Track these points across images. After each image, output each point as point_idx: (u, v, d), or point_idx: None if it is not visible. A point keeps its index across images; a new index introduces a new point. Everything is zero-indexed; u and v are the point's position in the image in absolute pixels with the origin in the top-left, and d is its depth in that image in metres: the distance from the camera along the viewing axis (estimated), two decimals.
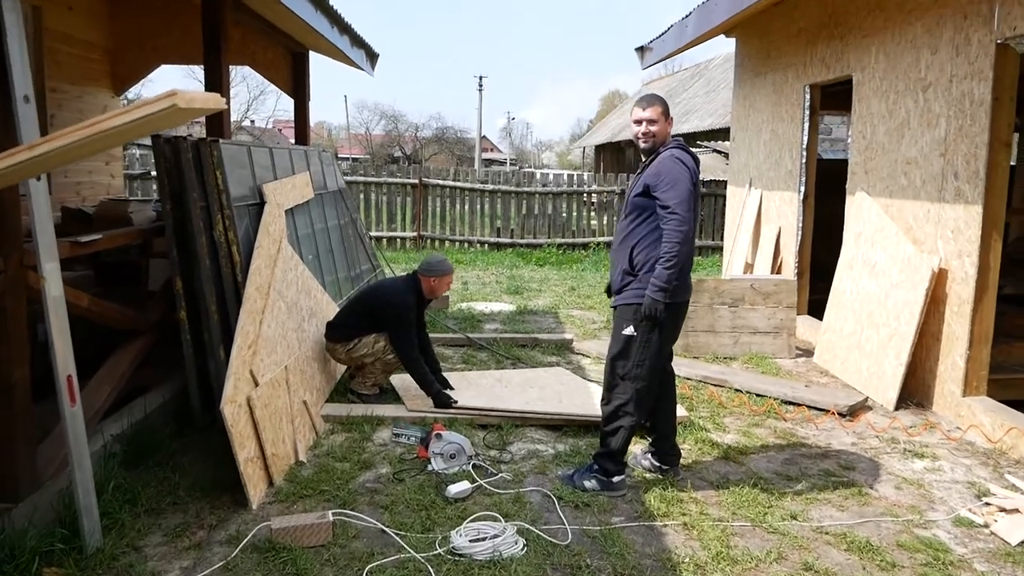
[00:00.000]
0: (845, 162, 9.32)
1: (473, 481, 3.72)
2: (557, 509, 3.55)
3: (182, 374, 4.23)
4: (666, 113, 3.75)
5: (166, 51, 7.51)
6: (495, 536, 3.16)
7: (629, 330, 3.66)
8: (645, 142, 3.75)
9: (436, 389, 4.65)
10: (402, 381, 5.09)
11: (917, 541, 3.38)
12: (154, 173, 12.46)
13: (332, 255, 6.30)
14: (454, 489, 3.58)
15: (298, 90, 8.25)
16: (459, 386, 5.10)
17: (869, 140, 6.01)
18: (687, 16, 7.70)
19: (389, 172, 13.76)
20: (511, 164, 56.28)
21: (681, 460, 4.08)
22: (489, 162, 55.14)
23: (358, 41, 7.44)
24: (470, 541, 3.13)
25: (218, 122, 5.90)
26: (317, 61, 8.16)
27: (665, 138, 3.75)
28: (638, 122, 3.73)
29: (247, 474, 3.37)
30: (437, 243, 13.49)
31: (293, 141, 8.51)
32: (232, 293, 4.12)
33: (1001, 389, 5.10)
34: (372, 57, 8.24)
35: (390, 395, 5.01)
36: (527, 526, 3.33)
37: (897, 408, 5.17)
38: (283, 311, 4.32)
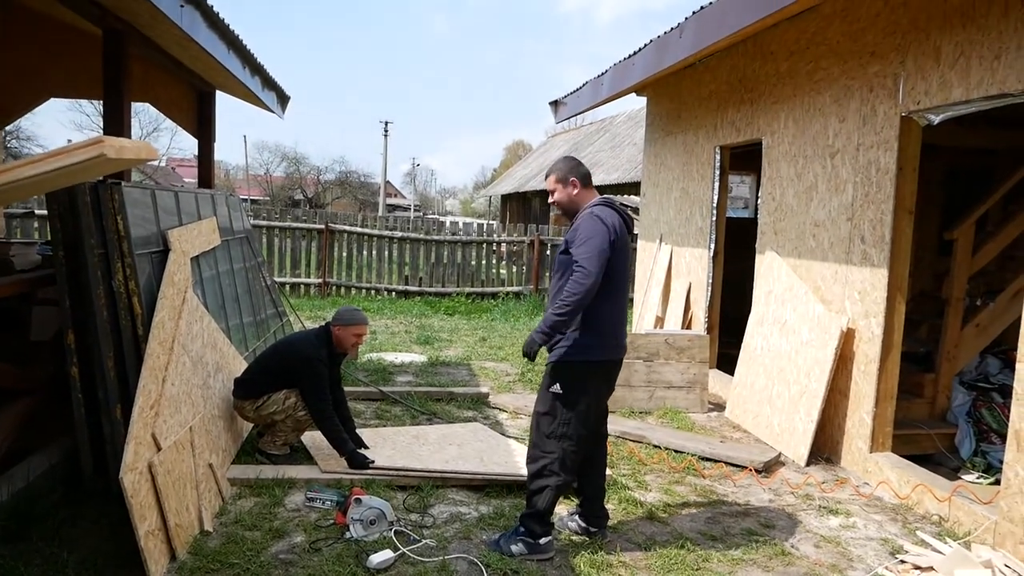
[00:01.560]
0: (746, 220, 9.78)
1: (395, 549, 3.50)
2: None
3: (71, 435, 3.83)
4: (563, 179, 3.76)
5: (55, 84, 7.05)
6: None
7: (556, 387, 3.62)
8: (557, 210, 3.86)
9: (350, 449, 4.41)
10: (313, 439, 4.81)
11: None
12: (37, 211, 11.65)
13: (238, 301, 5.96)
14: (376, 559, 3.35)
15: (203, 130, 7.92)
16: (374, 443, 4.87)
17: (779, 202, 6.27)
18: (603, 74, 7.90)
19: (294, 216, 13.37)
20: (415, 210, 56.17)
21: (608, 522, 4.00)
22: (393, 207, 54.85)
23: (270, 83, 7.23)
24: None
25: None
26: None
27: (573, 200, 3.75)
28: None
29: (147, 549, 3.04)
30: (343, 290, 13.14)
31: (191, 181, 8.12)
32: (131, 347, 3.78)
33: (903, 444, 5.32)
34: (283, 100, 8.02)
35: (301, 454, 4.72)
36: None
37: (808, 463, 5.29)
38: (188, 367, 4.00)
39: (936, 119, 4.70)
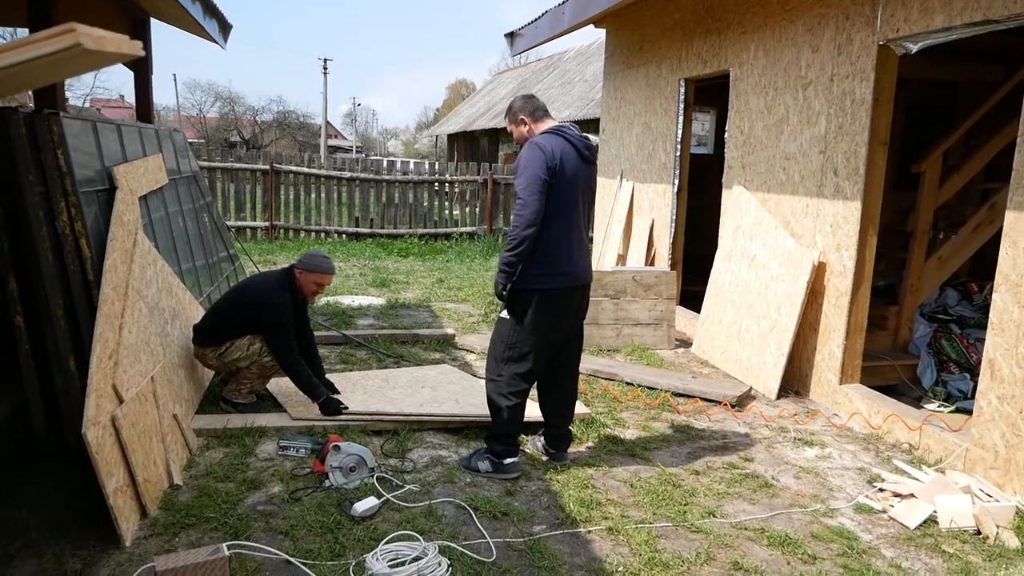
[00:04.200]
0: (704, 156, 9.73)
1: (379, 496, 3.37)
2: (475, 521, 3.29)
3: (19, 391, 3.55)
4: (514, 119, 3.79)
5: None
6: (417, 559, 2.85)
7: (503, 313, 3.71)
8: (519, 146, 3.84)
9: (323, 394, 4.23)
10: (280, 387, 4.61)
11: (828, 531, 3.42)
12: None
13: (189, 244, 5.63)
14: (360, 507, 3.22)
15: (139, 62, 7.37)
16: (344, 388, 4.69)
17: (747, 135, 6.17)
18: (564, 2, 7.60)
19: (236, 157, 12.78)
20: (357, 151, 54.77)
21: (575, 450, 4.09)
22: (334, 148, 53.37)
23: (211, 9, 6.73)
24: (390, 566, 2.80)
25: (50, 94, 5.09)
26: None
27: (527, 137, 3.74)
28: None
29: (117, 507, 2.84)
30: (292, 233, 12.71)
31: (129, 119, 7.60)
32: (81, 294, 3.49)
33: (868, 376, 5.39)
34: (225, 28, 7.50)
35: (268, 402, 4.51)
36: (448, 544, 3.03)
37: (779, 397, 5.33)
38: (144, 313, 3.73)
39: (915, 48, 4.61)
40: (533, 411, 4.02)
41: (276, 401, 4.47)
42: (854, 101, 4.96)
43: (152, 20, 7.40)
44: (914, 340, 6.10)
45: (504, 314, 3.72)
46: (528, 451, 4.07)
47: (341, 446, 3.50)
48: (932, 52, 5.42)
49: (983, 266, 6.57)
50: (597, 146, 10.12)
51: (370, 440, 4.08)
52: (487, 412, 4.24)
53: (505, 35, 9.17)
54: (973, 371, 5.97)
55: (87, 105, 42.73)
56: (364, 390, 4.71)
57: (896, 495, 3.78)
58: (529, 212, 3.45)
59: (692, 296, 7.32)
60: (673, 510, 3.50)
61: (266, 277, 4.55)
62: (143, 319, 3.67)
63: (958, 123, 6.14)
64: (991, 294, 6.78)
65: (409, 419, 4.23)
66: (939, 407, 5.57)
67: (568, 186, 3.59)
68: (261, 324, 4.24)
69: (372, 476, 3.53)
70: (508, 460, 3.75)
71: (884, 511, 3.67)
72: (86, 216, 3.54)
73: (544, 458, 4.01)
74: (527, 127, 3.73)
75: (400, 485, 3.53)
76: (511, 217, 3.53)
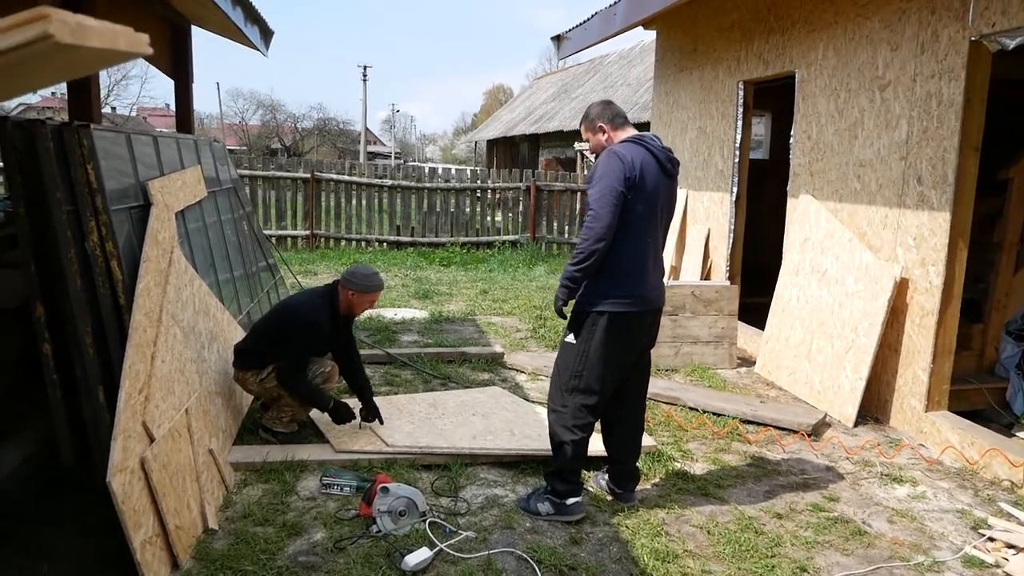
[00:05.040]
0: (762, 161, 9.28)
1: (431, 545, 3.06)
2: None
3: (46, 423, 3.31)
4: (592, 127, 3.48)
5: None
6: None
7: (569, 337, 3.39)
8: (595, 156, 3.56)
9: (329, 400, 4.01)
10: (322, 415, 4.33)
11: None
12: None
13: (227, 255, 5.40)
14: (412, 560, 2.90)
15: (179, 70, 7.22)
16: (389, 414, 4.40)
17: (815, 141, 5.75)
18: (615, 3, 7.25)
19: (278, 165, 12.65)
20: (395, 157, 54.95)
21: (641, 487, 3.74)
22: (373, 155, 53.61)
23: (253, 16, 6.52)
24: None
25: (85, 103, 4.90)
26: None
27: (604, 144, 3.45)
28: None
29: (144, 561, 2.57)
30: (332, 242, 12.54)
31: (166, 130, 7.46)
32: (112, 319, 3.24)
33: (953, 401, 4.93)
34: (267, 35, 7.31)
35: (309, 429, 4.24)
36: None
37: (856, 424, 4.91)
38: (179, 339, 3.48)
39: (1012, 44, 4.18)
40: (595, 445, 3.67)
41: (318, 429, 4.19)
42: (941, 103, 4.53)
43: (194, 28, 7.25)
44: (1001, 361, 5.61)
45: (570, 339, 3.39)
46: (591, 489, 3.72)
47: (390, 487, 3.20)
48: (1014, 50, 4.97)
49: None
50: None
51: (419, 475, 3.77)
52: (545, 445, 3.91)
53: (552, 38, 8.85)
54: None
55: (133, 114, 43.49)
56: (410, 417, 4.41)
57: (1009, 546, 3.36)
58: (600, 225, 3.14)
59: (750, 309, 6.89)
60: (759, 564, 3.12)
61: (308, 295, 4.28)
62: (178, 346, 3.41)
63: None
64: None
65: (461, 453, 3.91)
66: None
67: (647, 200, 3.27)
68: (290, 339, 3.97)
69: (424, 521, 3.22)
70: (571, 500, 3.42)
71: (998, 565, 3.25)
72: (118, 235, 3.30)
73: (609, 497, 3.67)
74: (605, 135, 3.42)
75: (454, 531, 3.21)
76: (580, 229, 3.23)
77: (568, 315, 3.42)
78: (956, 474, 4.23)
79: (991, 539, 3.45)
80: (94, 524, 3.07)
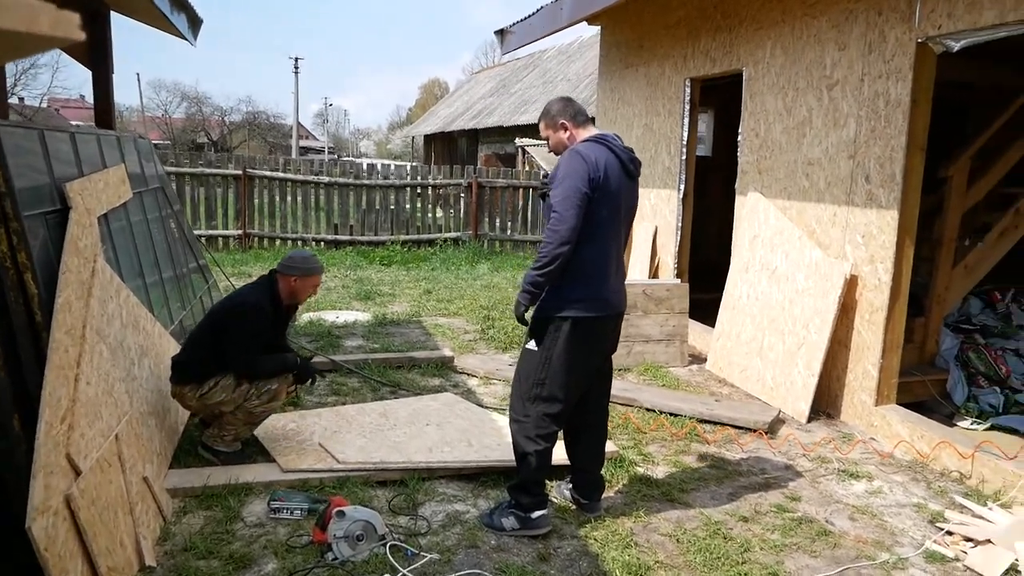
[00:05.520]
0: (704, 158, 9.32)
1: (393, 571, 2.88)
2: None
3: None
4: (553, 123, 3.33)
5: None
6: None
7: (530, 344, 3.24)
8: (555, 155, 3.43)
9: (294, 361, 3.86)
10: (267, 430, 4.08)
11: None
12: None
13: (155, 256, 5.08)
14: None
15: (97, 60, 6.74)
16: (339, 428, 4.19)
17: (763, 139, 5.75)
18: None
19: (207, 161, 12.10)
20: (329, 152, 53.85)
21: (605, 495, 3.62)
22: (305, 150, 52.42)
23: (180, 2, 6.14)
24: None
25: None
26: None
27: (565, 142, 3.32)
28: None
29: None
30: (267, 241, 12.08)
31: (81, 125, 6.99)
32: (27, 338, 2.93)
33: (898, 393, 5.00)
34: (195, 23, 6.91)
35: (253, 447, 3.97)
36: None
37: (809, 420, 4.92)
38: (106, 357, 3.19)
39: (957, 46, 4.22)
40: (557, 453, 3.54)
41: (263, 447, 3.93)
42: (888, 103, 4.56)
43: (114, 15, 6.80)
44: (941, 353, 5.74)
45: (531, 345, 3.25)
46: (555, 500, 3.59)
47: (346, 511, 3.00)
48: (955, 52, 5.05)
49: (1005, 272, 6.24)
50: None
51: (374, 493, 3.57)
52: (505, 455, 3.78)
53: (495, 32, 8.69)
54: (1003, 384, 5.63)
55: (44, 106, 41.19)
56: (361, 429, 4.20)
57: (967, 539, 3.38)
58: (565, 228, 3.01)
59: (695, 305, 6.87)
60: (731, 572, 3.04)
61: (245, 288, 4.02)
62: (105, 365, 3.13)
63: (978, 126, 5.79)
64: (1013, 301, 6.47)
65: (418, 467, 3.73)
66: (972, 424, 5.22)
67: (610, 202, 3.16)
68: (234, 328, 3.71)
69: (383, 545, 3.03)
70: (537, 514, 3.28)
71: (957, 559, 3.27)
72: (31, 244, 2.99)
73: (574, 507, 3.55)
74: (568, 133, 3.29)
75: (416, 553, 3.03)
76: (544, 232, 3.09)
77: (529, 321, 3.28)
78: (908, 467, 4.27)
79: (949, 532, 3.47)
80: (12, 568, 2.77)
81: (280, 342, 4.05)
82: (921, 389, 5.43)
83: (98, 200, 3.96)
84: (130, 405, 3.29)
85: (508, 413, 3.41)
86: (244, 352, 3.69)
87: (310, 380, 3.97)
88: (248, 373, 3.71)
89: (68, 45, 0.88)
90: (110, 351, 3.27)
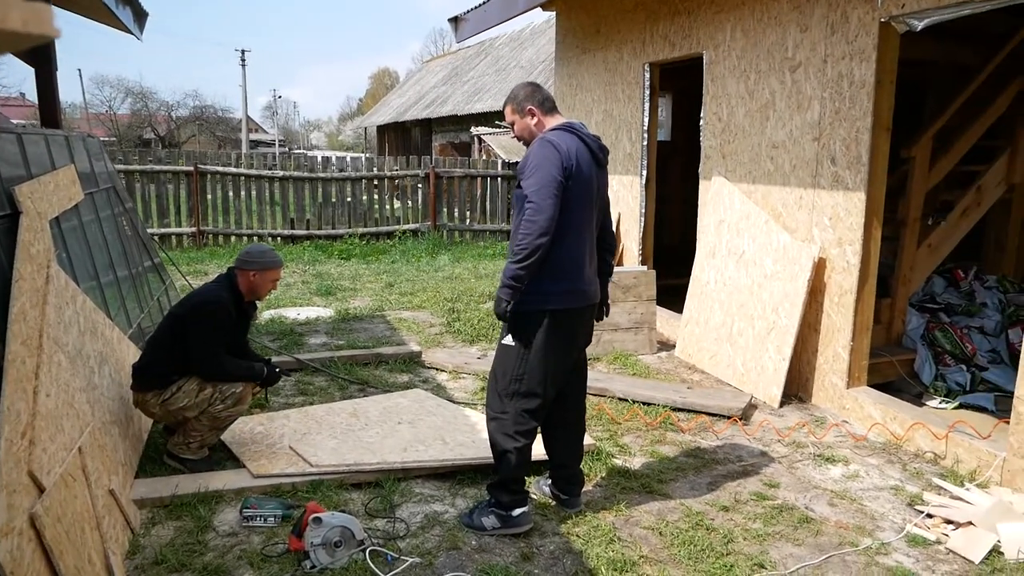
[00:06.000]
0: (665, 143, 9.33)
1: None
2: None
3: None
4: (520, 109, 3.26)
5: None
6: None
7: (507, 339, 3.17)
8: (519, 141, 3.37)
9: (261, 370, 3.75)
10: (236, 434, 3.95)
11: (890, 574, 3.02)
12: None
13: (109, 255, 4.88)
14: None
15: (40, 57, 6.45)
16: (309, 430, 4.08)
17: (726, 122, 5.75)
18: None
19: (156, 158, 11.74)
20: (280, 145, 52.84)
21: (584, 489, 3.57)
22: (255, 143, 51.33)
23: None
24: None
25: None
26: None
27: (534, 131, 3.25)
28: None
29: None
30: (221, 238, 11.78)
31: (25, 124, 6.68)
32: None
33: (867, 374, 5.07)
34: (140, 17, 6.65)
35: (222, 453, 3.84)
36: None
37: (781, 404, 4.95)
38: (65, 367, 3.03)
39: (920, 25, 4.25)
40: (535, 448, 3.48)
41: (232, 453, 3.80)
42: (852, 84, 4.58)
43: (54, 9, 6.51)
44: (907, 332, 5.83)
45: (507, 340, 3.18)
46: (535, 496, 3.54)
47: (322, 517, 2.90)
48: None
49: (966, 250, 6.36)
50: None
51: (349, 496, 3.47)
52: (481, 452, 3.72)
53: (449, 20, 8.54)
54: (969, 362, 5.74)
55: None
56: (332, 430, 4.09)
57: (948, 521, 3.42)
58: (544, 218, 2.94)
59: (660, 291, 6.89)
60: (716, 564, 3.03)
61: (201, 287, 3.90)
62: (64, 374, 2.97)
63: (939, 105, 5.88)
64: (976, 279, 6.61)
65: (393, 468, 3.64)
66: (941, 403, 5.31)
67: (583, 191, 3.10)
68: (196, 326, 3.59)
69: (362, 550, 2.94)
70: (517, 511, 3.23)
71: (939, 542, 3.30)
72: None
73: (553, 503, 3.50)
74: (535, 119, 3.22)
75: (397, 558, 2.95)
76: (520, 224, 2.98)
77: (507, 317, 3.21)
78: (882, 449, 4.32)
79: (929, 515, 3.50)
80: None
81: (241, 341, 3.93)
82: (890, 369, 5.51)
83: (49, 203, 3.77)
84: (92, 415, 3.13)
85: (485, 411, 3.34)
86: (210, 352, 3.56)
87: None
88: (214, 374, 3.58)
89: (46, 40, 0.78)
90: (69, 360, 3.11)
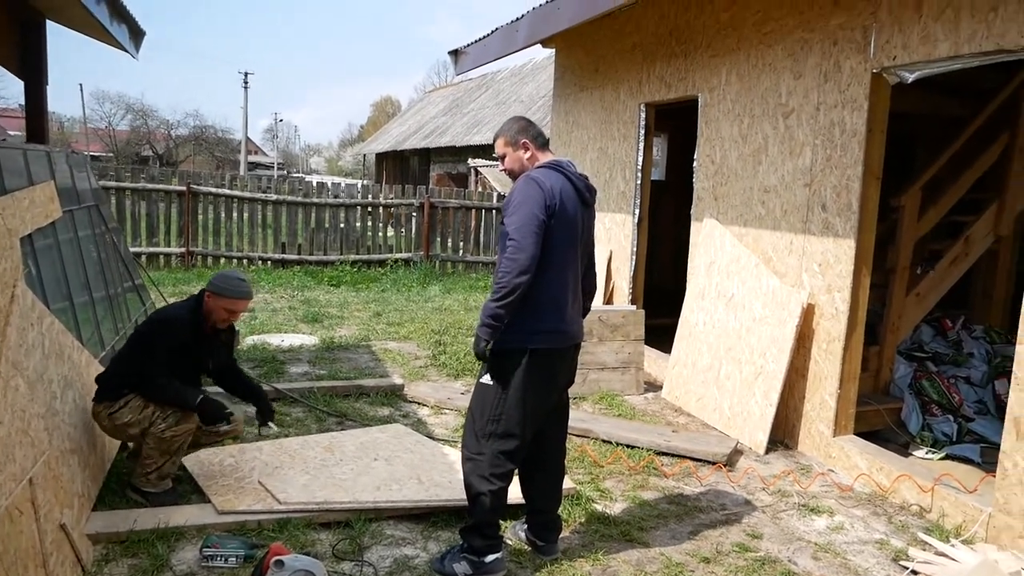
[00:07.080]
0: (657, 182, 9.32)
1: None
2: None
3: None
4: (513, 142, 3.21)
5: None
6: None
7: (486, 378, 3.09)
8: (508, 175, 3.30)
9: (197, 396, 3.54)
10: (202, 463, 3.83)
11: None
12: None
13: (85, 274, 4.79)
14: None
15: (30, 71, 6.43)
16: (281, 464, 3.96)
17: (719, 165, 5.72)
18: (518, 19, 7.05)
19: (149, 176, 11.69)
20: (278, 168, 53.01)
21: (562, 535, 3.45)
22: (254, 165, 51.52)
23: (120, 13, 5.87)
24: None
25: None
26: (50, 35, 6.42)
27: (526, 166, 3.20)
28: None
29: None
30: (211, 260, 11.68)
31: (17, 135, 6.62)
32: None
33: (855, 423, 4.98)
34: (137, 35, 6.63)
35: (188, 485, 3.71)
36: None
37: (767, 451, 4.85)
38: (23, 392, 2.92)
39: (911, 77, 4.25)
40: (512, 492, 3.37)
41: (197, 485, 3.67)
42: (844, 132, 4.56)
43: (50, 24, 6.49)
44: (895, 381, 5.74)
45: (486, 379, 3.09)
46: (510, 542, 3.42)
47: (285, 560, 2.78)
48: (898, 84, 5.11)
49: (954, 300, 6.32)
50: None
51: (317, 536, 3.35)
52: (457, 494, 3.60)
53: (449, 52, 8.57)
54: (956, 412, 5.66)
55: None
56: (304, 465, 3.96)
57: None
58: (524, 257, 2.88)
59: (648, 331, 6.81)
60: None
61: (168, 305, 3.86)
62: (21, 400, 2.86)
63: (928, 156, 5.88)
64: (963, 329, 6.56)
65: (365, 507, 3.52)
66: (927, 453, 5.22)
67: (567, 230, 3.05)
68: (146, 341, 3.53)
69: None
70: (491, 557, 3.11)
71: None
72: None
73: (529, 549, 3.38)
74: (528, 153, 3.18)
75: None
76: (501, 262, 2.93)
77: (486, 356, 3.12)
78: (868, 500, 4.22)
79: (914, 572, 3.40)
80: None
81: (225, 363, 3.91)
82: (876, 418, 5.41)
83: (22, 220, 3.69)
84: (49, 443, 3.01)
85: (460, 451, 3.24)
86: (147, 368, 3.48)
87: (223, 421, 3.77)
88: (147, 390, 3.48)
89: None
90: (28, 385, 3.00)
